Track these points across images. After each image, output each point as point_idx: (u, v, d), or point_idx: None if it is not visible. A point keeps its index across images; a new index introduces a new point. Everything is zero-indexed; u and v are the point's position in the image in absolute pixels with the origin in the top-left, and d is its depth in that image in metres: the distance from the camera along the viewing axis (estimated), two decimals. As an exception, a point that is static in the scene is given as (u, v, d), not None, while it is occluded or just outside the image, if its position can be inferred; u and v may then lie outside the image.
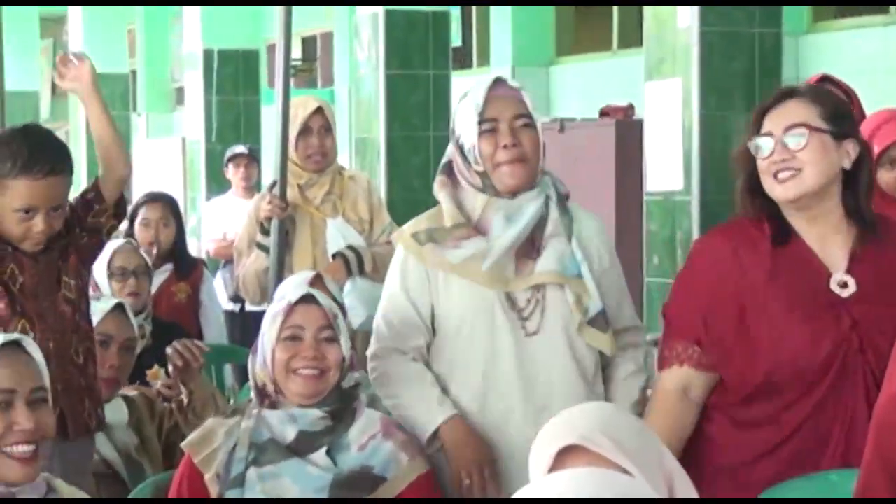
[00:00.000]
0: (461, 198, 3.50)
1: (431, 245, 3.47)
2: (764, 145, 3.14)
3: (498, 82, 3.47)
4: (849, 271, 3.15)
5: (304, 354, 3.24)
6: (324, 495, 3.19)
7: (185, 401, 4.03)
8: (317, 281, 3.69)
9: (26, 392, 2.62)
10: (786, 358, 3.11)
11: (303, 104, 5.19)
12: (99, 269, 4.70)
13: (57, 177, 3.44)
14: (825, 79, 4.46)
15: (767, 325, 3.13)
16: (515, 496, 1.77)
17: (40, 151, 3.44)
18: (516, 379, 3.44)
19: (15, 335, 2.72)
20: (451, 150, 3.53)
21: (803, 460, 3.11)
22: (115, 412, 3.93)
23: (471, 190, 3.49)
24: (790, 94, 3.20)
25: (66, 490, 2.75)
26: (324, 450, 3.23)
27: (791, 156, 3.11)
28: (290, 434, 3.24)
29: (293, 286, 3.51)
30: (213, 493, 3.18)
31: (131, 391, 4.03)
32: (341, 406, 3.29)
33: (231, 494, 3.16)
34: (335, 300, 3.47)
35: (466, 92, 3.50)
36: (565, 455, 2.17)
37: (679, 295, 3.32)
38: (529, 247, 3.47)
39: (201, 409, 3.95)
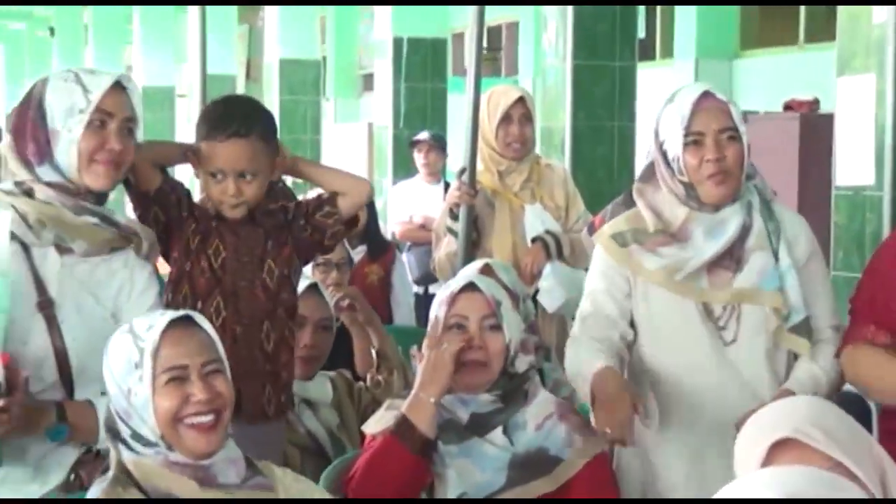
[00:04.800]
0: (659, 205, 3.45)
1: (635, 247, 3.43)
2: None
3: (705, 95, 3.39)
4: None
5: (469, 345, 3.24)
6: (503, 474, 3.20)
7: (374, 351, 4.16)
8: (486, 269, 3.68)
9: (198, 365, 2.66)
10: None
11: (504, 93, 5.21)
12: None
13: (241, 139, 3.39)
14: None
15: None
16: (728, 488, 1.75)
17: (226, 115, 3.43)
18: (714, 388, 3.39)
19: (185, 311, 2.75)
20: (653, 153, 3.47)
21: None
22: (321, 390, 3.98)
23: (670, 198, 3.43)
24: None
25: (278, 472, 2.78)
26: (500, 429, 3.23)
27: None
28: (463, 416, 3.25)
29: (461, 275, 3.52)
30: None
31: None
32: (511, 389, 3.28)
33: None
34: (507, 288, 3.44)
35: (672, 96, 3.43)
36: (777, 449, 2.16)
37: (862, 284, 3.36)
38: (728, 258, 3.40)
39: (392, 365, 4.11)
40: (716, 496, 1.76)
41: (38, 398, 2.99)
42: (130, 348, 2.66)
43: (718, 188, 3.37)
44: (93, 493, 2.67)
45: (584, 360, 3.38)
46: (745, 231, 3.41)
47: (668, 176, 3.42)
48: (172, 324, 2.67)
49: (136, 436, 2.66)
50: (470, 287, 3.30)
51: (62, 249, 3.08)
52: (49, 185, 3.08)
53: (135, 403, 2.65)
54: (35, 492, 2.72)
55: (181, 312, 2.72)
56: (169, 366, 2.64)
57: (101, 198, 3.16)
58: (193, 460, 2.65)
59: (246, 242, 3.47)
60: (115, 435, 2.68)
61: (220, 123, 3.41)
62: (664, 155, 3.42)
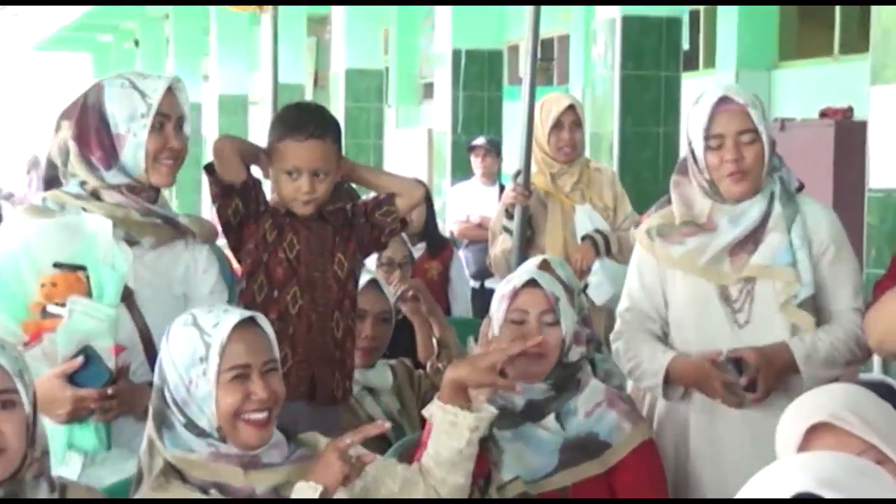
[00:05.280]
0: (691, 198, 3.46)
1: (659, 240, 3.46)
2: None
3: (724, 100, 3.38)
4: None
5: (528, 339, 3.21)
6: (555, 457, 3.21)
7: (435, 340, 4.15)
8: (544, 265, 3.67)
9: (259, 364, 2.66)
10: None
11: (556, 101, 5.23)
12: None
13: (317, 140, 3.41)
14: None
15: None
16: (763, 472, 1.73)
17: (304, 118, 3.46)
18: None
19: (250, 312, 2.73)
20: (685, 149, 3.49)
21: None
22: (381, 377, 3.98)
23: (699, 191, 3.44)
24: None
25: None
26: (552, 415, 3.24)
27: None
28: (519, 403, 3.26)
29: (522, 271, 3.50)
30: None
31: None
32: (564, 378, 3.28)
33: None
34: (564, 283, 3.43)
35: (699, 97, 3.44)
36: (813, 433, 2.14)
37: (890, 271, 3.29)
38: (750, 242, 3.41)
39: (452, 354, 4.11)
40: (750, 481, 1.74)
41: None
42: (196, 342, 2.65)
43: (737, 185, 3.39)
44: (141, 491, 2.66)
45: (645, 358, 3.43)
46: (766, 217, 3.41)
47: (696, 171, 3.45)
48: (238, 323, 2.67)
49: (191, 425, 2.64)
50: (531, 283, 3.30)
51: (130, 243, 3.15)
52: (116, 187, 3.15)
53: (195, 394, 2.63)
54: (130, 469, 2.75)
55: (248, 313, 2.72)
56: (234, 364, 2.64)
57: (157, 190, 3.24)
58: (243, 452, 2.65)
59: (318, 237, 3.49)
60: (161, 423, 2.66)
61: (298, 125, 3.44)
62: (692, 152, 3.44)
